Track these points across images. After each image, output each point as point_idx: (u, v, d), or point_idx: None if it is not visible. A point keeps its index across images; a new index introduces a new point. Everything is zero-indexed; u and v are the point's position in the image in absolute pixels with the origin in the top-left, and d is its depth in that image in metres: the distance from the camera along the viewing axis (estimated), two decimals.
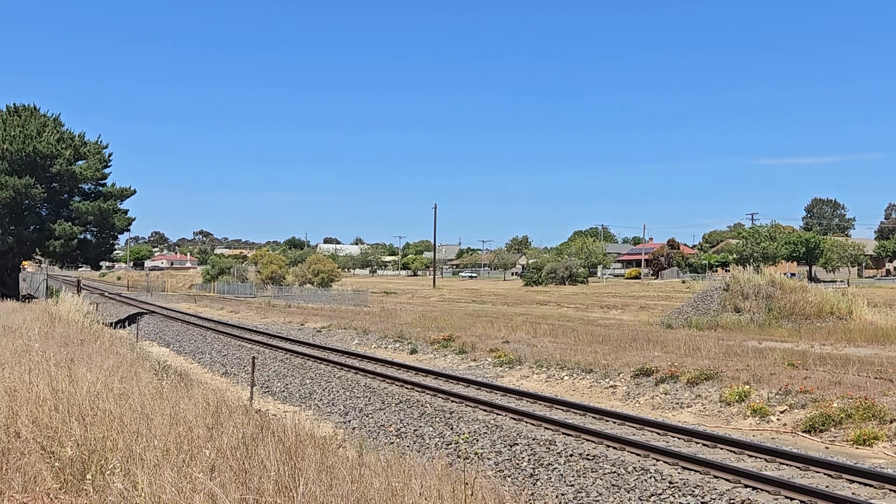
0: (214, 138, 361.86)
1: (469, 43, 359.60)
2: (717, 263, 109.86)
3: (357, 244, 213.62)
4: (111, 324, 39.65)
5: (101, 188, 54.78)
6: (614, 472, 12.02)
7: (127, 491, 5.85)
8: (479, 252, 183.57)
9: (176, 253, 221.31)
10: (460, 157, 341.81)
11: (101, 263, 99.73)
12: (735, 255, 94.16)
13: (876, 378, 17.74)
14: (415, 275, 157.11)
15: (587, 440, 13.75)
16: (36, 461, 6.92)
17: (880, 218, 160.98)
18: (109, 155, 55.19)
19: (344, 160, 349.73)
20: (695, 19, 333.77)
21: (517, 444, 14.16)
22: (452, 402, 17.97)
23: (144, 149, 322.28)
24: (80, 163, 52.76)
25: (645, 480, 11.48)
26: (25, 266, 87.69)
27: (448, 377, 21.72)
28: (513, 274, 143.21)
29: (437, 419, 16.79)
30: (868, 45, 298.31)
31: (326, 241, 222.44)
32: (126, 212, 55.98)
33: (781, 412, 15.81)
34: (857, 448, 13.44)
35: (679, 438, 13.77)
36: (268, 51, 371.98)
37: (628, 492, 11.33)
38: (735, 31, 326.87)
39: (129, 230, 60.03)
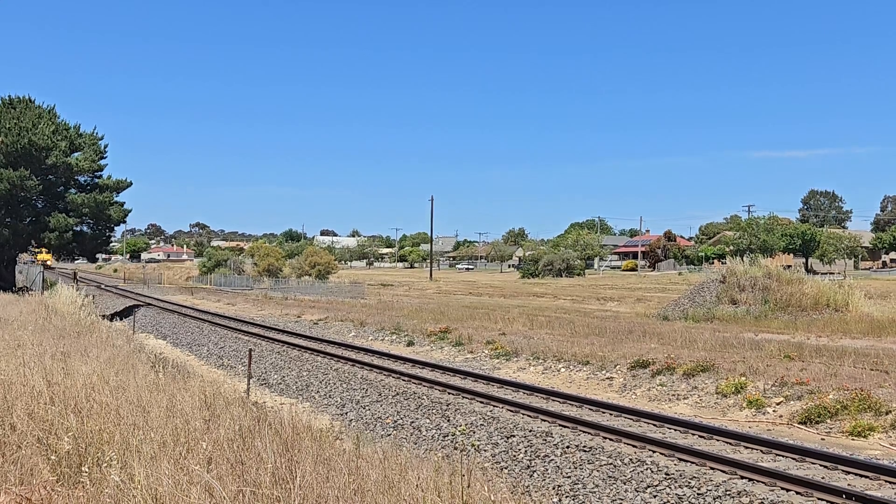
0: (212, 131, 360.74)
1: (467, 39, 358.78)
2: (713, 255, 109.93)
3: (354, 236, 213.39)
4: (107, 316, 39.61)
5: (97, 180, 54.63)
6: (611, 463, 12.05)
7: (124, 483, 5.85)
8: (476, 244, 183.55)
9: (172, 245, 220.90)
10: (457, 150, 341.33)
11: (98, 256, 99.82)
12: (732, 247, 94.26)
13: (871, 370, 17.80)
14: (411, 267, 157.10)
15: (584, 432, 13.78)
16: (32, 454, 6.92)
17: (876, 210, 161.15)
18: (105, 147, 55.05)
19: (341, 153, 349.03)
20: (691, 17, 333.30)
21: (514, 436, 14.18)
22: (449, 393, 17.98)
23: (141, 141, 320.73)
24: (75, 155, 52.60)
25: (641, 472, 11.51)
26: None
27: (445, 369, 21.73)
28: (509, 266, 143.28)
29: (434, 411, 16.81)
30: (864, 41, 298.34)
31: (323, 233, 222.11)
32: (122, 204, 55.87)
33: (777, 404, 15.85)
34: (852, 440, 13.49)
35: (675, 430, 13.80)
36: (265, 46, 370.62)
37: (625, 483, 11.36)
38: (730, 29, 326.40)
39: (125, 222, 59.96)
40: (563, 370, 21.37)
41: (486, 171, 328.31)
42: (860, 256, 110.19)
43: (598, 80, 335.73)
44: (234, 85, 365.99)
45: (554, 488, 11.92)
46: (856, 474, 10.77)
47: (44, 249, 60.28)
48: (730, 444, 12.75)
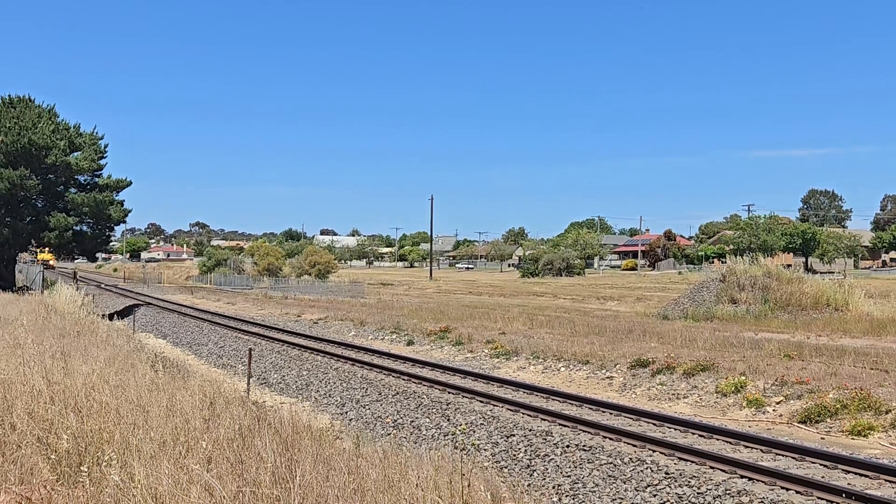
0: (212, 131, 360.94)
1: (467, 39, 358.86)
2: (713, 255, 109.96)
3: (353, 235, 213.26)
4: (107, 315, 39.61)
5: (96, 179, 54.67)
6: (610, 462, 12.05)
7: (124, 483, 5.85)
8: (476, 244, 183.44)
9: (172, 245, 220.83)
10: (457, 150, 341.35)
11: (98, 255, 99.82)
12: (732, 247, 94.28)
13: (871, 369, 17.80)
14: (411, 266, 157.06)
15: (583, 431, 13.77)
16: (32, 453, 6.92)
17: (876, 209, 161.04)
18: (105, 146, 55.09)
19: (341, 153, 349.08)
20: (691, 17, 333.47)
21: (514, 435, 14.18)
22: (449, 393, 17.98)
23: (141, 141, 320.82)
24: (75, 154, 52.64)
25: (641, 471, 11.51)
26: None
27: (445, 368, 21.73)
28: (509, 265, 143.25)
29: (434, 410, 16.81)
30: (864, 41, 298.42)
31: (323, 232, 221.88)
32: (122, 203, 55.89)
33: (777, 403, 15.85)
34: (852, 439, 13.49)
35: (675, 429, 13.80)
36: (265, 46, 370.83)
37: (624, 483, 11.36)
38: (730, 29, 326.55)
39: (125, 222, 60.00)
40: (562, 369, 21.36)
41: (486, 171, 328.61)
42: (860, 256, 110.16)
43: (598, 80, 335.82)
44: (234, 85, 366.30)
45: (554, 487, 11.92)
46: (856, 473, 10.76)
47: (46, 249, 60.37)
48: (730, 443, 12.75)
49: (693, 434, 13.46)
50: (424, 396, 17.90)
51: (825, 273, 71.05)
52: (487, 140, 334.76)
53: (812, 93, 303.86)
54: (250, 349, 23.31)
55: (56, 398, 8.53)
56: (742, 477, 10.73)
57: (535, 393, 17.68)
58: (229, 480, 5.96)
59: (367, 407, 18.52)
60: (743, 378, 17.18)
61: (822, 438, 13.69)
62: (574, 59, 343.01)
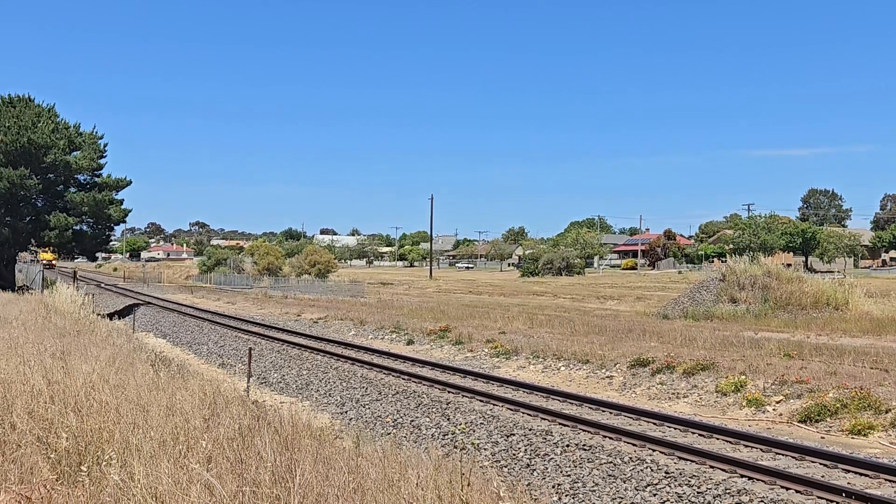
0: (211, 131, 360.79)
1: (467, 39, 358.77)
2: (713, 254, 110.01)
3: (353, 235, 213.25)
4: (107, 315, 39.60)
5: (96, 179, 54.64)
6: (610, 462, 12.05)
7: (123, 482, 5.85)
8: (476, 243, 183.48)
9: (172, 244, 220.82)
10: (457, 149, 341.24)
11: (98, 255, 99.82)
12: (732, 246, 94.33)
13: (871, 368, 17.80)
14: (411, 266, 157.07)
15: (583, 430, 13.77)
16: (32, 453, 6.92)
17: (876, 208, 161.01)
18: (105, 146, 55.06)
19: (341, 153, 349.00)
20: (691, 17, 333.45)
21: (514, 435, 14.18)
22: (449, 392, 17.98)
23: (141, 140, 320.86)
24: (75, 153, 52.61)
25: (641, 470, 11.51)
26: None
27: (445, 368, 21.73)
28: (509, 265, 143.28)
29: (434, 410, 16.81)
30: (864, 41, 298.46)
31: (323, 231, 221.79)
32: (122, 202, 55.86)
33: (777, 402, 15.85)
34: (852, 438, 13.49)
35: (675, 429, 13.80)
36: (265, 46, 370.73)
37: (624, 482, 11.36)
38: (730, 29, 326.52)
39: (125, 221, 59.98)
40: (562, 369, 21.36)
41: (486, 170, 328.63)
42: (860, 255, 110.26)
43: (598, 80, 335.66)
44: (234, 85, 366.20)
45: (554, 487, 11.93)
46: (855, 473, 10.76)
47: (48, 249, 60.41)
48: (730, 442, 12.74)
49: (693, 433, 13.46)
50: (424, 396, 17.90)
51: (825, 272, 71.08)
52: (487, 139, 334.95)
53: (812, 93, 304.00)
54: (250, 349, 23.32)
55: (56, 398, 8.53)
56: (742, 476, 10.73)
57: (535, 392, 17.68)
58: (229, 480, 5.96)
59: (366, 406, 18.52)
60: (743, 377, 17.18)
61: (822, 438, 13.69)
62: (574, 59, 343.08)
